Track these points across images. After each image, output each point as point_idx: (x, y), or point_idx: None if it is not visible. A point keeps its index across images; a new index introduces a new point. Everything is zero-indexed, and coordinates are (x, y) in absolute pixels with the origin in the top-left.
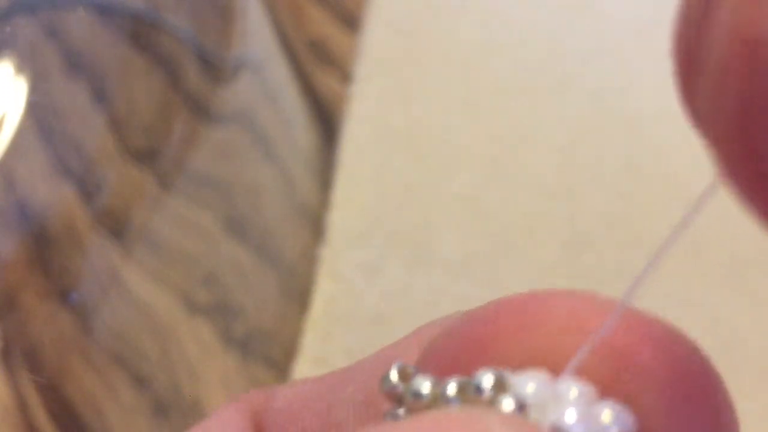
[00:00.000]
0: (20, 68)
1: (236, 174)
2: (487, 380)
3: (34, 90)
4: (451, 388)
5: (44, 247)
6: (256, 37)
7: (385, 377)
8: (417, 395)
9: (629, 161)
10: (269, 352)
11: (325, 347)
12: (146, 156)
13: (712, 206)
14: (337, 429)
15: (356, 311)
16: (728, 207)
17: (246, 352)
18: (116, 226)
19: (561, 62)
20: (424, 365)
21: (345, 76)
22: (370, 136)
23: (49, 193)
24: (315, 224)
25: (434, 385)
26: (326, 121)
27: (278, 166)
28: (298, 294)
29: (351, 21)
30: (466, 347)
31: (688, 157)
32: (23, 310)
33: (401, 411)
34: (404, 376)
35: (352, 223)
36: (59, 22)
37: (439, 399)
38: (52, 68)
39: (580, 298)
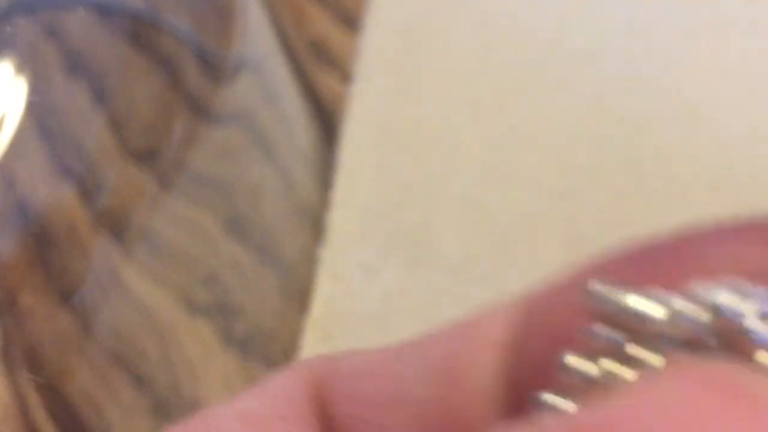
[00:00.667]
0: (20, 68)
1: (236, 174)
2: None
3: (34, 90)
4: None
5: (44, 247)
6: (256, 37)
7: (592, 288)
8: (629, 311)
9: (629, 161)
10: (269, 352)
11: (325, 347)
12: (146, 156)
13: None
14: (408, 397)
15: (356, 311)
16: (729, 209)
17: (246, 352)
18: (116, 226)
19: (561, 62)
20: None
21: (345, 76)
22: (370, 136)
23: (49, 193)
24: (315, 224)
25: (664, 302)
26: (326, 121)
27: (278, 166)
28: (298, 294)
29: (351, 21)
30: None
31: (688, 157)
32: (23, 310)
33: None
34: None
35: (352, 223)
36: (59, 22)
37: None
38: (52, 68)
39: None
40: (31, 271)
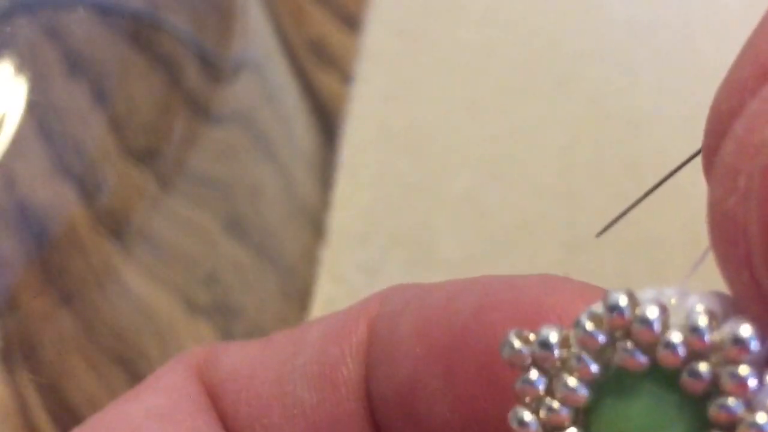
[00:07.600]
0: (20, 68)
1: (236, 174)
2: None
3: (34, 90)
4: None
5: (44, 247)
6: (256, 36)
7: (506, 343)
8: (545, 345)
9: (629, 161)
10: None
11: None
12: (146, 156)
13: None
14: (292, 399)
15: None
16: None
17: None
18: (116, 226)
19: (561, 62)
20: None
21: (345, 76)
22: (370, 136)
23: (50, 193)
24: (315, 224)
25: (562, 337)
26: (326, 121)
27: (278, 166)
28: (298, 294)
29: (351, 21)
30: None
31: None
32: (23, 310)
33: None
34: (525, 339)
35: (352, 224)
36: (59, 22)
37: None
38: (52, 68)
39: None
40: (31, 271)
